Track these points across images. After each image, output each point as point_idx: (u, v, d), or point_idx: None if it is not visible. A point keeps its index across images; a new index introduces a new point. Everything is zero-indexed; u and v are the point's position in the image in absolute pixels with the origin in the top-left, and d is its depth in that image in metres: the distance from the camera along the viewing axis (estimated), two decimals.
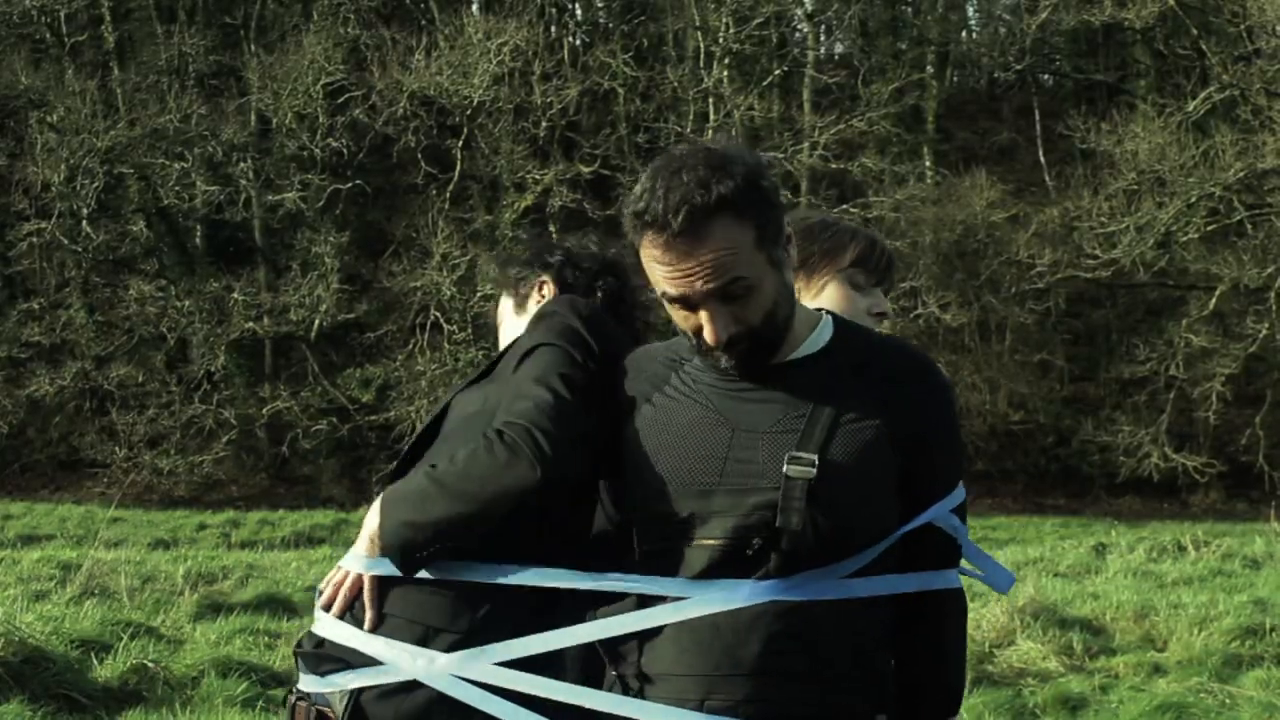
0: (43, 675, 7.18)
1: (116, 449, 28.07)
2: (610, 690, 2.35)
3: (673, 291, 2.26)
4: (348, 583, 2.54)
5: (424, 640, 2.46)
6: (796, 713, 2.26)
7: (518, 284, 2.91)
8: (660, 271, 2.26)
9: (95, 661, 7.69)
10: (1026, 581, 11.98)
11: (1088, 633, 9.60)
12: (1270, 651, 9.05)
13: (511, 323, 2.91)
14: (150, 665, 7.64)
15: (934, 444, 2.35)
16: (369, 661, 2.49)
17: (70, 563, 12.95)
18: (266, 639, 9.49)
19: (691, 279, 2.23)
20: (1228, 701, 8.08)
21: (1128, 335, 29.96)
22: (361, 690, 2.49)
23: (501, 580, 2.43)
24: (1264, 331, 26.92)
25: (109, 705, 7.23)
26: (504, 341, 2.88)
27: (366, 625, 2.50)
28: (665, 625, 2.28)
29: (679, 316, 2.31)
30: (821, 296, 2.88)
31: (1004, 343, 30.17)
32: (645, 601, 2.31)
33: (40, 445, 29.26)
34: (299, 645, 2.62)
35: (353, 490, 27.14)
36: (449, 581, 2.46)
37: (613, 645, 2.34)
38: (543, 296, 2.83)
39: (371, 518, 2.49)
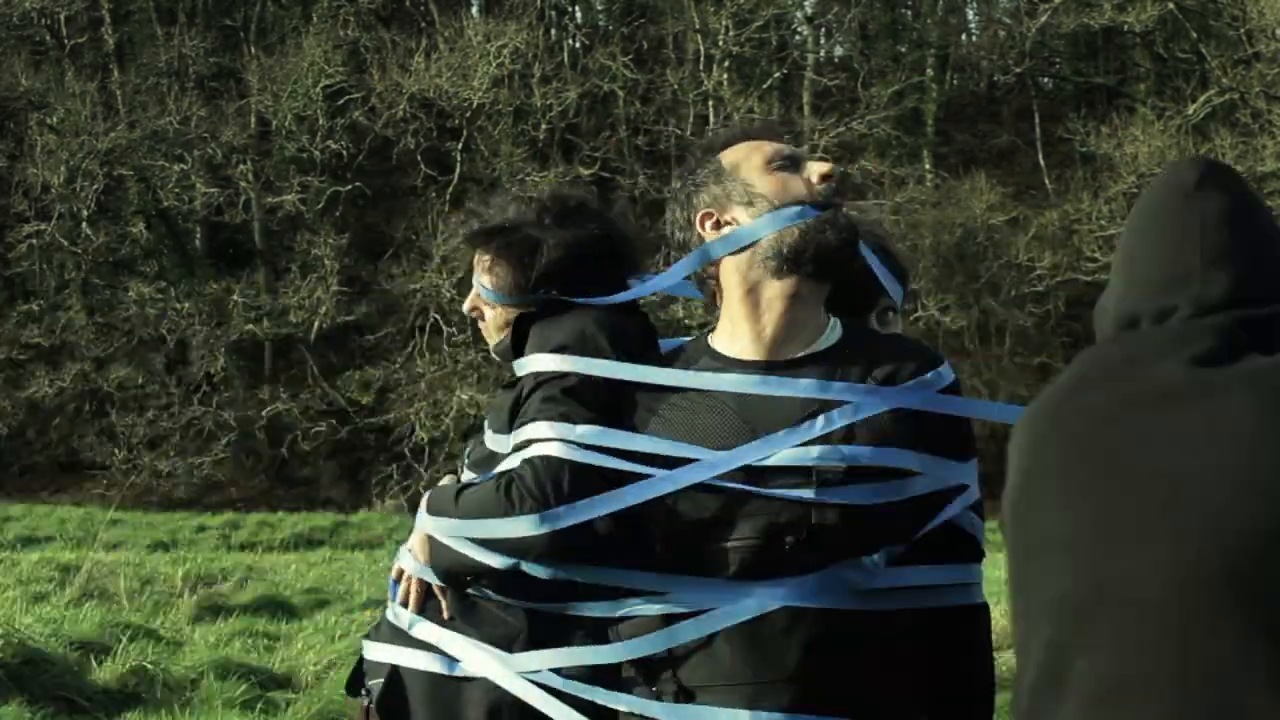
0: (42, 677, 7.18)
1: (116, 451, 28.05)
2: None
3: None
4: (414, 582, 2.59)
5: (495, 640, 2.51)
6: (844, 712, 2.24)
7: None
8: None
9: (95, 663, 7.69)
10: None
11: None
12: None
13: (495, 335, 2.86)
14: (149, 667, 7.65)
15: (944, 438, 2.34)
16: (424, 646, 2.57)
17: (70, 564, 12.95)
18: (266, 641, 9.50)
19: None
20: None
21: None
22: (408, 671, 2.57)
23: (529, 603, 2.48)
24: None
25: (108, 707, 7.22)
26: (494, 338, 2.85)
27: (445, 617, 2.57)
28: (701, 637, 2.26)
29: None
30: None
31: (1004, 346, 30.18)
32: (674, 615, 2.29)
33: (40, 447, 29.25)
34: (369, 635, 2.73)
35: (352, 492, 27.13)
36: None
37: (644, 661, 2.32)
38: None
39: (422, 519, 2.53)
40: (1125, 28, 30.17)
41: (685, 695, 2.27)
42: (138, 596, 11.39)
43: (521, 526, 2.28)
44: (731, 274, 2.37)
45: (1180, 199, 1.76)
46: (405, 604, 2.59)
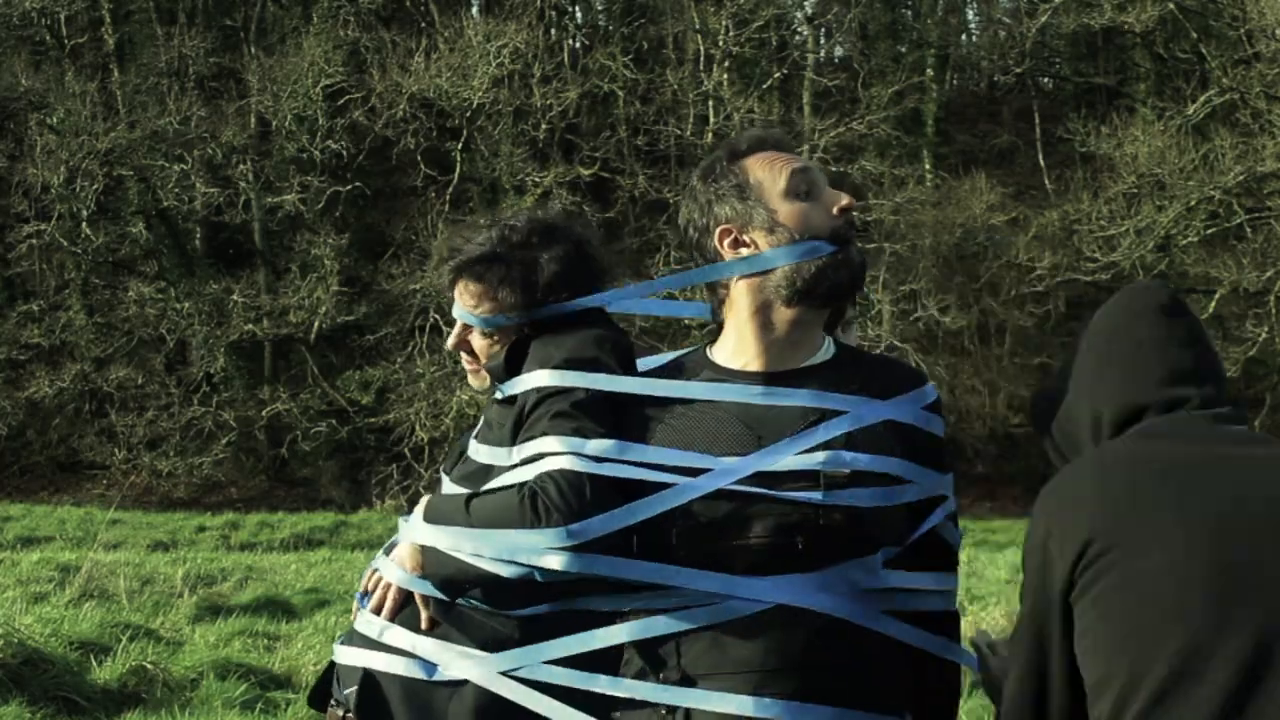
0: (42, 677, 7.17)
1: (116, 451, 28.06)
2: None
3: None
4: (392, 590, 2.60)
5: (481, 644, 2.53)
6: (843, 702, 2.35)
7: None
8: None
9: (94, 663, 7.69)
10: None
11: None
12: None
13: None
14: (149, 667, 7.64)
15: (929, 451, 2.51)
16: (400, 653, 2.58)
17: (69, 564, 12.96)
18: (265, 641, 9.50)
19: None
20: None
21: None
22: (384, 676, 2.57)
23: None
24: (1263, 335, 26.91)
25: (108, 707, 7.22)
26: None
27: (423, 626, 2.57)
28: (704, 626, 2.36)
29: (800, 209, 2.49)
30: None
31: (1003, 346, 30.18)
32: (683, 606, 2.38)
33: (40, 447, 29.25)
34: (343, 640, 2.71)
35: (352, 492, 27.12)
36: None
37: (649, 649, 2.40)
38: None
39: (414, 531, 2.53)
40: (1125, 28, 30.14)
41: (688, 683, 2.36)
42: (138, 596, 11.40)
43: (548, 539, 2.32)
44: (743, 293, 2.49)
45: (1161, 315, 2.28)
46: (377, 612, 2.59)
